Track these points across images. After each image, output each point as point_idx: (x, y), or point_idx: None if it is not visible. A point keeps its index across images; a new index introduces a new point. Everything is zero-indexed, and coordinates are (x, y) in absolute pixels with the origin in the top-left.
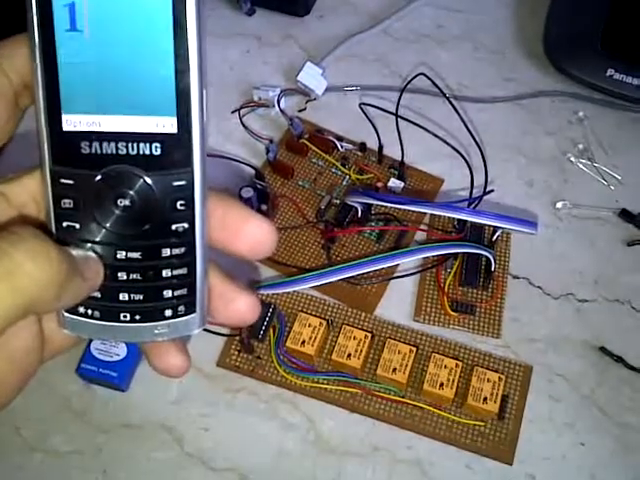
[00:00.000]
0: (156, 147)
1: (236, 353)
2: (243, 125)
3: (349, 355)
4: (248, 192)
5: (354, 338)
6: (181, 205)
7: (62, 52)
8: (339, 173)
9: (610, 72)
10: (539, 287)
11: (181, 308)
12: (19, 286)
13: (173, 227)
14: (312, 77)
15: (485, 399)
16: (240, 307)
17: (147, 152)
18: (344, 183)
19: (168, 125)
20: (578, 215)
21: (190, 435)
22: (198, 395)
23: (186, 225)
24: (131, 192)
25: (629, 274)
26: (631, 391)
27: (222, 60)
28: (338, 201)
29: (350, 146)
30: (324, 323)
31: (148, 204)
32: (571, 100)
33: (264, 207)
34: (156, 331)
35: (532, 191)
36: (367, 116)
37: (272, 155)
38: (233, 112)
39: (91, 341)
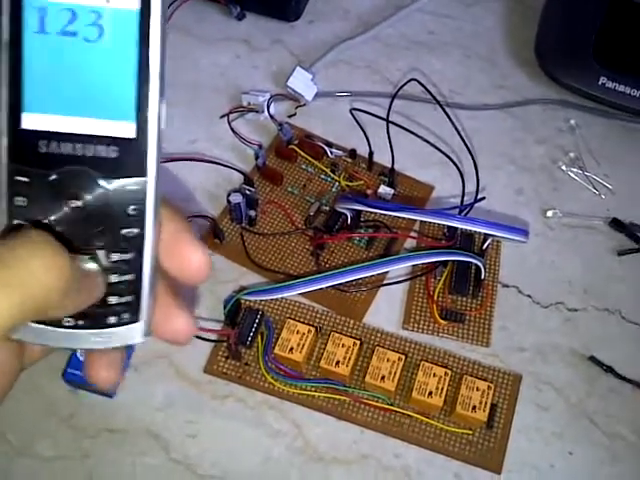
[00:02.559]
0: (113, 150)
1: (223, 359)
2: (232, 130)
3: (337, 362)
4: (237, 198)
5: (343, 345)
6: (133, 210)
7: (28, 52)
8: (329, 179)
9: (603, 80)
10: (529, 296)
11: (126, 316)
12: (30, 295)
13: (123, 232)
14: (302, 82)
15: (474, 408)
16: (177, 326)
17: (103, 155)
18: (333, 190)
19: (126, 130)
20: (568, 224)
21: (176, 441)
22: (185, 401)
23: (136, 230)
24: (84, 194)
25: (619, 283)
26: (620, 400)
27: (212, 65)
28: (327, 208)
29: (340, 152)
30: (312, 330)
31: (100, 207)
32: (562, 108)
33: (252, 213)
34: (99, 338)
35: (522, 199)
36: (358, 122)
37: (261, 161)
38: (222, 117)
39: None
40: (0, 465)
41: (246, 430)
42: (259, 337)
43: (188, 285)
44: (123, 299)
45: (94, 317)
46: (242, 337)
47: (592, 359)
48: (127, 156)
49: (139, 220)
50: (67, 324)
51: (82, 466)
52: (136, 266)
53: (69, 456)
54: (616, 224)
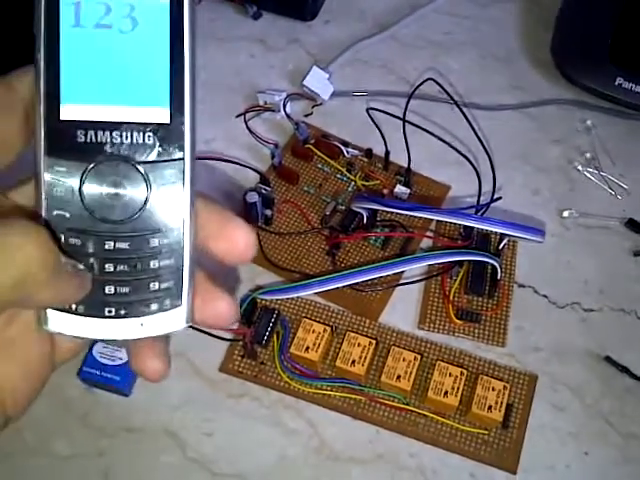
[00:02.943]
0: (148, 136)
1: (239, 358)
2: (248, 129)
3: (353, 362)
4: (253, 197)
5: (358, 345)
6: (170, 194)
7: (65, 46)
8: (345, 179)
9: (619, 81)
10: (544, 296)
11: (167, 302)
12: (11, 276)
13: (162, 216)
14: (318, 82)
15: (490, 407)
16: (220, 309)
17: (140, 141)
18: (349, 189)
19: (161, 116)
20: (584, 224)
21: (193, 440)
22: (201, 400)
23: (174, 214)
24: (123, 181)
25: (635, 284)
26: (636, 401)
27: (228, 64)
28: (343, 207)
29: (356, 152)
30: (328, 329)
31: (139, 193)
32: (578, 108)
33: (268, 212)
34: (141, 326)
35: (538, 199)
36: (374, 121)
37: (277, 160)
38: (238, 116)
39: (93, 344)
40: (17, 463)
41: (262, 429)
42: (275, 336)
43: (234, 266)
44: (164, 285)
45: (135, 305)
46: (258, 336)
47: (608, 359)
48: (163, 141)
49: (177, 204)
50: (109, 314)
51: (98, 465)
52: (176, 251)
53: (85, 455)
54: (632, 224)
